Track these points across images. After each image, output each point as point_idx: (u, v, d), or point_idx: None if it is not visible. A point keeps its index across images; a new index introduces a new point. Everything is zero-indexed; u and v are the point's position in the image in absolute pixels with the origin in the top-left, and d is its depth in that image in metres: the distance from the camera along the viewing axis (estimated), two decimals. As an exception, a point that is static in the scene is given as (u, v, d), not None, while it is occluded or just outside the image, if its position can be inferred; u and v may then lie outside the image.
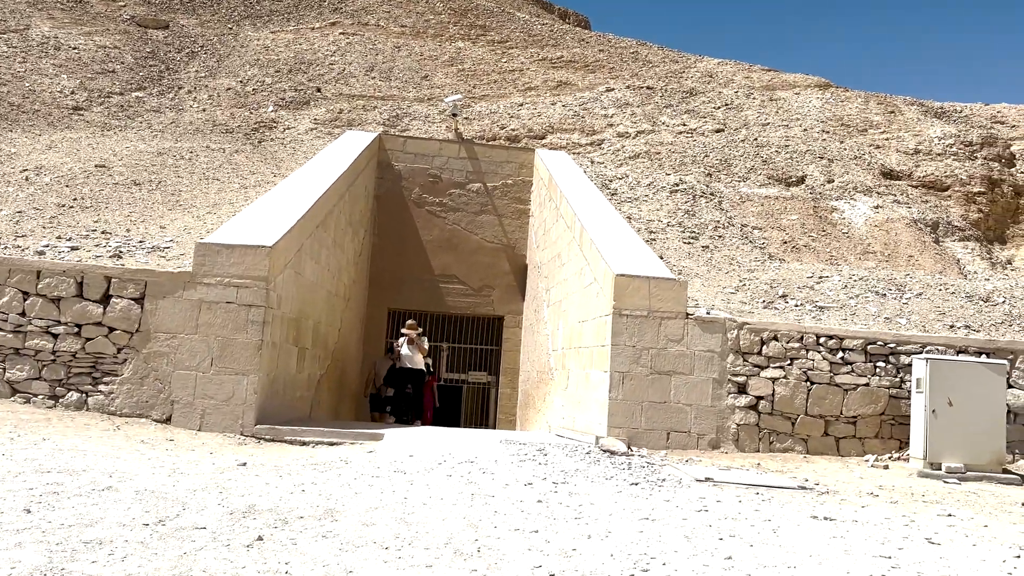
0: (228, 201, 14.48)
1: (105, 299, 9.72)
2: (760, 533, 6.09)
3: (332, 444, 9.35)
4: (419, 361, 14.01)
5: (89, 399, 9.62)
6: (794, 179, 20.07)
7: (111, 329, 9.66)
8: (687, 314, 10.18)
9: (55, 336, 9.66)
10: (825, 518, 6.76)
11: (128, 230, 12.71)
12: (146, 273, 9.72)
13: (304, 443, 9.37)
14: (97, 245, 11.77)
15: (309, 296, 11.74)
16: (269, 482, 6.83)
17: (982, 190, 20.76)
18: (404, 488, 6.86)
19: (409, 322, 14.49)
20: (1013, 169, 21.99)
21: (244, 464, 7.68)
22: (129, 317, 9.62)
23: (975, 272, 16.98)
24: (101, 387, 9.64)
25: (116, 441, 8.50)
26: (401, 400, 13.88)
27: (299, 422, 10.56)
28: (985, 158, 21.80)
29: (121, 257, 11.06)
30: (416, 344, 13.94)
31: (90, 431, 8.82)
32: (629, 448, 9.59)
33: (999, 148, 22.55)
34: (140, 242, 11.96)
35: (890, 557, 5.59)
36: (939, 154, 21.92)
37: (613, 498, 7.08)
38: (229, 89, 22.81)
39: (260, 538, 4.91)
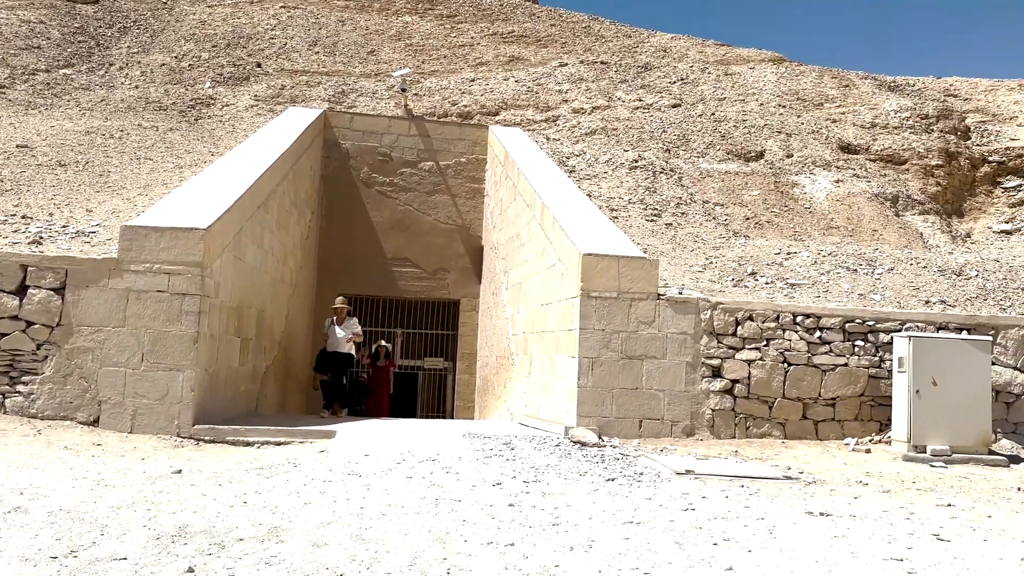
0: (161, 182, 13.46)
1: (22, 290, 8.76)
2: (756, 535, 5.53)
3: (279, 444, 8.57)
4: (345, 344, 12.37)
5: (7, 401, 8.68)
6: (753, 154, 19.63)
7: (29, 323, 8.71)
8: (659, 295, 9.59)
9: (-35, 332, 8.69)
10: (821, 513, 6.23)
11: (51, 214, 11.67)
12: (66, 260, 8.78)
13: (248, 443, 8.57)
14: (16, 231, 10.74)
15: (251, 282, 10.88)
16: (206, 493, 6.06)
17: (940, 163, 20.58)
18: (360, 495, 6.15)
19: (338, 298, 12.77)
20: (969, 142, 21.87)
21: (179, 471, 6.88)
22: (49, 309, 8.68)
23: (937, 246, 16.75)
24: (20, 387, 8.70)
25: (35, 448, 7.62)
26: (336, 387, 12.64)
27: (243, 419, 9.75)
28: (941, 131, 21.64)
29: (41, 243, 10.08)
30: (346, 325, 12.34)
31: (7, 437, 7.93)
32: (600, 438, 8.99)
33: (954, 121, 22.42)
34: (63, 227, 10.96)
35: (902, 560, 5.06)
36: (896, 127, 21.70)
37: (591, 497, 6.47)
38: (163, 65, 21.54)
39: (191, 570, 4.17)
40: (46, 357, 8.65)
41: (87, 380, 8.61)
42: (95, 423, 8.58)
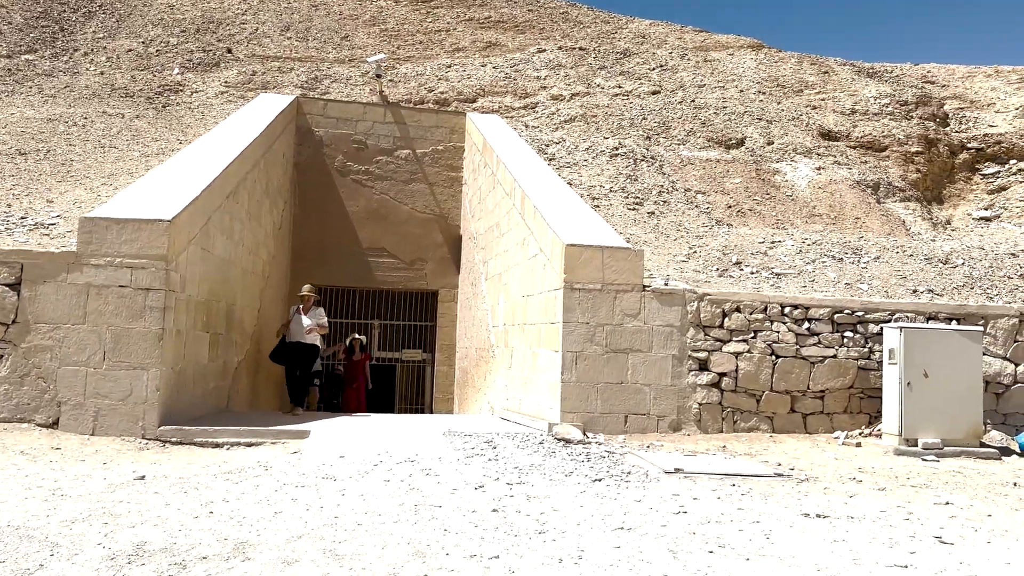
0: (127, 171, 12.96)
1: (-25, 286, 8.31)
2: (752, 540, 5.26)
3: (250, 445, 8.19)
4: (307, 335, 11.44)
5: (-40, 402, 8.23)
6: (734, 141, 19.39)
7: (-17, 321, 8.28)
8: (644, 286, 9.29)
9: (-85, 331, 8.23)
10: (817, 515, 5.97)
11: (9, 205, 11.17)
12: (22, 254, 8.32)
13: (217, 445, 8.18)
14: (-29, 223, 10.25)
15: (221, 275, 10.46)
16: (170, 502, 5.69)
17: (919, 150, 20.45)
18: (334, 502, 5.80)
19: (306, 286, 11.85)
20: (947, 128, 21.78)
21: (142, 478, 6.49)
22: (4, 306, 8.23)
23: (919, 233, 16.60)
24: (-26, 388, 8.25)
25: (-11, 454, 7.20)
26: (295, 381, 11.57)
27: (212, 419, 9.36)
28: (921, 117, 21.51)
29: (-3, 236, 9.60)
30: (312, 314, 11.45)
31: (-40, 441, 7.50)
32: (585, 435, 8.70)
33: (933, 107, 22.31)
34: (22, 218, 10.47)
35: (907, 566, 4.81)
36: (876, 114, 21.55)
37: (578, 500, 6.17)
38: (130, 51, 20.92)
39: (147, 594, 3.82)
40: (1, 356, 8.20)
41: (45, 380, 8.18)
42: (54, 425, 8.16)
